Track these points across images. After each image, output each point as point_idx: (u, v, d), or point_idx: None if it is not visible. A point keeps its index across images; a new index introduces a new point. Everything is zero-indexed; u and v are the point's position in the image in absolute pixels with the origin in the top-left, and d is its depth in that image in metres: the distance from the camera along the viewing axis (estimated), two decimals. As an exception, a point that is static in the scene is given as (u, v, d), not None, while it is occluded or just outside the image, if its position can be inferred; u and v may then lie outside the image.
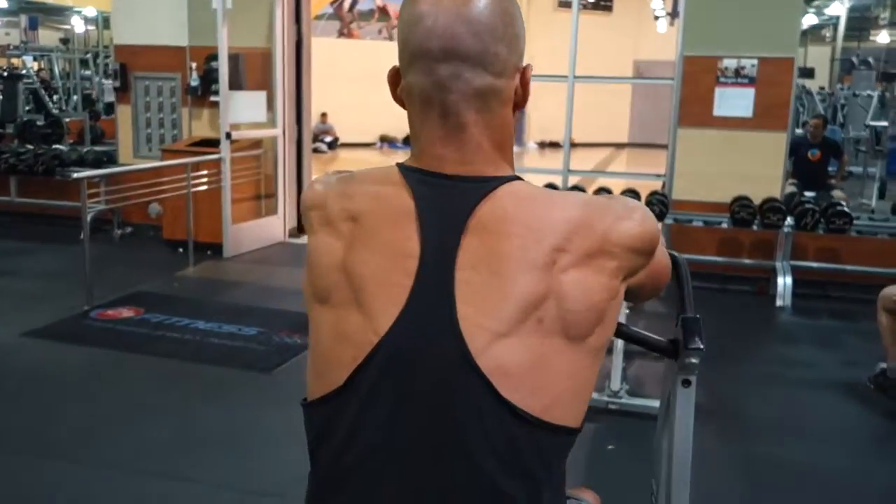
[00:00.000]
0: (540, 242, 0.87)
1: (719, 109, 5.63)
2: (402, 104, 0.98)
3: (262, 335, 4.35)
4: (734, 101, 5.60)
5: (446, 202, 0.90)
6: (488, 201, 0.89)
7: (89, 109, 9.98)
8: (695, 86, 5.63)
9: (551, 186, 4.83)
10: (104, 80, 9.59)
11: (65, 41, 13.61)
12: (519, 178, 0.94)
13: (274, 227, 6.58)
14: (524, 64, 0.96)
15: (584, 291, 0.88)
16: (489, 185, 0.91)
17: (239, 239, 6.12)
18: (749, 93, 5.57)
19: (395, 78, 0.97)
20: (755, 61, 5.52)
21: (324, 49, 7.27)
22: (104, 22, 12.49)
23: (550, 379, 0.87)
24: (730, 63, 5.57)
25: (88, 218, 4.87)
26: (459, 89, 0.90)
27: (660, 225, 1.08)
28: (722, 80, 5.60)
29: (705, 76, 5.60)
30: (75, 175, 4.98)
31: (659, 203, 5.49)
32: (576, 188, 6.00)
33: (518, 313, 0.86)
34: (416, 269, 0.88)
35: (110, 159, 7.15)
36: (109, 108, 9.31)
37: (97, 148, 7.91)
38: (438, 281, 0.87)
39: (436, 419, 0.87)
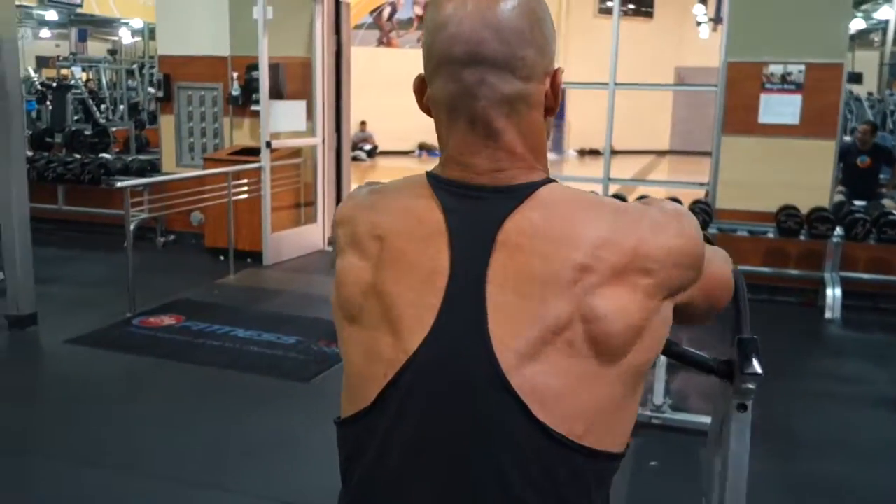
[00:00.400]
0: (565, 260, 0.83)
1: (764, 116, 5.51)
2: (429, 113, 0.95)
3: (300, 344, 4.35)
4: (780, 108, 5.47)
5: (476, 216, 0.87)
6: (517, 213, 0.86)
7: (135, 119, 10.19)
8: (739, 92, 5.51)
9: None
10: (150, 90, 9.77)
11: (112, 52, 13.92)
12: (552, 181, 0.89)
13: (313, 235, 6.61)
14: (555, 67, 0.92)
15: (615, 312, 0.83)
16: (519, 193, 0.87)
17: (279, 247, 6.16)
18: (796, 99, 5.43)
19: (420, 86, 0.94)
20: (802, 67, 5.39)
21: (363, 58, 7.32)
22: (150, 33, 12.74)
23: (586, 402, 0.83)
24: (776, 69, 5.44)
25: (132, 226, 4.95)
26: (486, 95, 0.87)
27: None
28: (767, 86, 5.48)
29: (750, 82, 5.48)
30: (119, 184, 5.06)
31: (702, 212, 5.38)
32: (616, 196, 5.92)
33: (546, 335, 0.82)
34: (445, 286, 0.85)
35: (154, 168, 7.27)
36: (154, 117, 9.50)
37: (142, 157, 8.06)
38: (469, 300, 0.84)
39: (466, 442, 0.84)
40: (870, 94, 12.97)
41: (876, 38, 17.13)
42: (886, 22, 16.46)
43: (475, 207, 0.87)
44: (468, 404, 0.83)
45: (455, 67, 0.87)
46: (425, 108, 0.95)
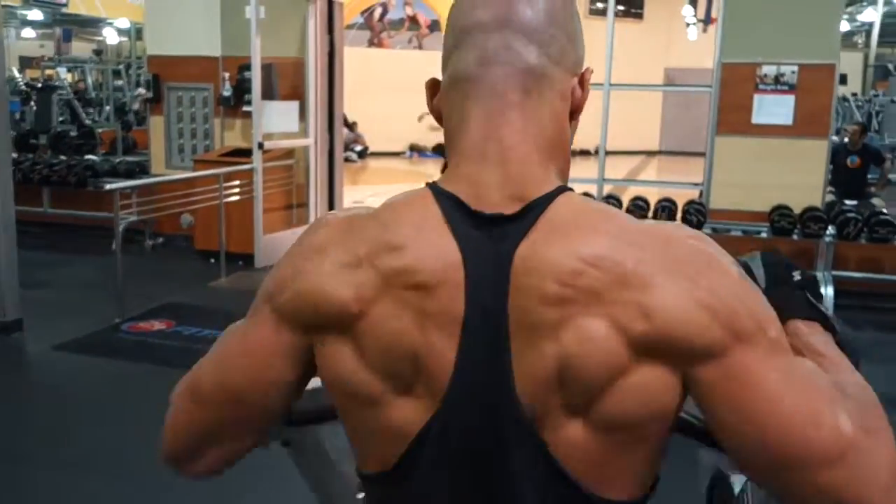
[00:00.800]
0: (553, 291, 0.72)
1: (758, 117, 5.51)
2: (438, 117, 0.87)
3: (294, 347, 4.30)
4: (774, 109, 5.48)
5: (490, 250, 0.75)
6: (528, 241, 0.74)
7: (121, 120, 10.09)
8: (733, 93, 5.51)
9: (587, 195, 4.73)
10: (140, 90, 9.69)
11: (98, 52, 13.81)
12: (565, 191, 0.78)
13: (305, 237, 6.55)
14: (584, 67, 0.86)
15: (583, 349, 0.71)
16: (531, 215, 0.76)
17: (271, 249, 6.10)
18: (789, 100, 5.45)
19: (433, 87, 0.86)
20: (795, 68, 5.40)
21: (354, 59, 7.25)
22: (136, 33, 12.63)
23: (598, 455, 0.75)
24: (769, 70, 5.45)
25: (120, 229, 4.88)
26: (509, 61, 0.78)
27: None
28: (761, 87, 5.48)
29: (744, 83, 5.48)
30: (108, 186, 4.99)
31: (697, 213, 5.38)
32: (611, 197, 5.90)
33: (549, 384, 0.73)
34: (459, 335, 0.74)
35: (143, 170, 7.19)
36: (141, 118, 9.41)
37: (129, 158, 7.97)
38: (488, 348, 0.74)
39: (495, 497, 0.77)
40: (854, 94, 13.07)
41: (859, 39, 17.27)
42: (871, 24, 16.58)
43: (490, 237, 0.76)
44: (496, 461, 0.77)
45: (479, 34, 0.80)
46: (435, 110, 0.87)
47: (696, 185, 5.94)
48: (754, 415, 0.70)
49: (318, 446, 1.12)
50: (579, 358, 0.71)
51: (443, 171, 0.86)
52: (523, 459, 0.75)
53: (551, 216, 0.75)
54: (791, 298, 0.86)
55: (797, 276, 0.89)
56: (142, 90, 8.83)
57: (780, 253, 0.93)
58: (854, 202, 6.23)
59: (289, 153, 6.44)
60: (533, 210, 0.76)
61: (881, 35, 16.04)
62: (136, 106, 10.25)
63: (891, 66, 12.02)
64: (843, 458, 0.69)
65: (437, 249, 0.75)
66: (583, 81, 0.85)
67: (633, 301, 0.70)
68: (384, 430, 0.79)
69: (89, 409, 3.57)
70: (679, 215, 5.44)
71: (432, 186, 0.81)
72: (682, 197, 5.72)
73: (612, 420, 0.73)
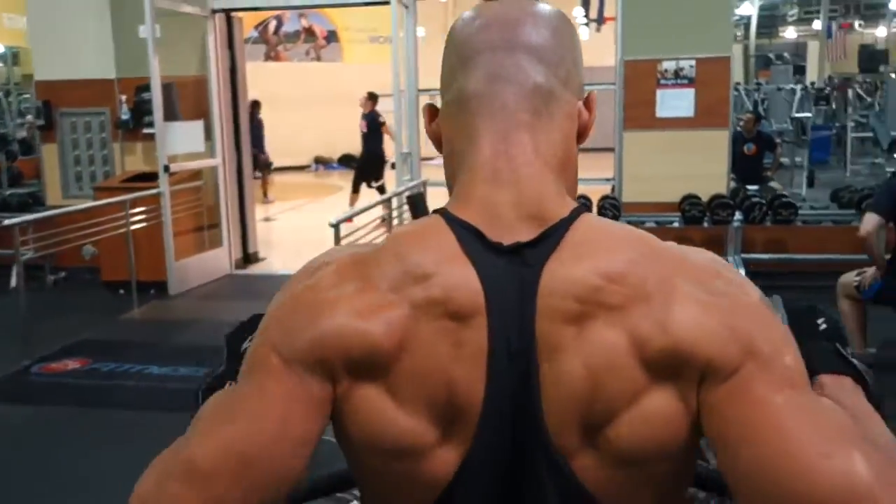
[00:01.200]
0: (572, 317, 0.71)
1: (662, 111, 5.70)
2: (437, 141, 0.85)
3: (223, 375, 4.14)
4: (675, 102, 5.68)
5: (512, 278, 0.72)
6: (548, 266, 0.72)
7: (5, 150, 9.50)
8: (636, 89, 5.67)
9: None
10: (28, 118, 9.15)
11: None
12: (583, 212, 0.77)
13: (220, 259, 6.34)
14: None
15: (594, 370, 0.70)
16: (552, 241, 0.74)
17: (184, 275, 5.87)
18: (689, 93, 5.65)
19: (431, 111, 0.86)
20: (693, 62, 5.61)
21: (252, 73, 7.10)
22: (13, 58, 11.96)
23: (624, 493, 0.74)
24: (669, 65, 5.64)
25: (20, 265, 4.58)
26: (519, 81, 0.78)
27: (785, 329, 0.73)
28: (662, 82, 5.67)
29: (646, 79, 5.66)
30: (6, 222, 4.68)
31: (612, 207, 5.51)
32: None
33: (579, 411, 0.71)
34: (485, 366, 0.71)
35: (37, 201, 6.79)
36: (27, 147, 8.89)
37: (20, 190, 7.51)
38: (515, 378, 0.72)
39: None
40: (737, 84, 13.75)
41: (738, 32, 18.23)
42: (749, 17, 17.50)
43: (510, 266, 0.73)
44: (528, 497, 0.74)
45: (488, 53, 0.79)
46: (434, 134, 0.85)
47: (608, 180, 6.09)
48: (760, 439, 0.65)
49: None
50: (600, 370, 0.70)
51: (449, 191, 0.83)
52: (556, 491, 0.73)
53: (573, 238, 0.74)
54: (818, 350, 0.82)
55: (822, 324, 0.87)
56: (30, 117, 8.35)
57: (801, 301, 0.91)
58: (755, 187, 6.53)
59: (196, 174, 6.21)
60: (552, 235, 0.74)
61: (759, 27, 16.95)
62: (21, 134, 9.69)
63: (772, 56, 12.70)
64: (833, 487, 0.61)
65: (461, 278, 0.72)
66: (589, 104, 0.84)
67: (653, 316, 0.69)
68: (417, 482, 0.74)
69: (5, 461, 3.32)
70: (595, 210, 5.56)
71: (444, 214, 0.77)
72: (595, 193, 5.85)
73: (624, 451, 0.71)
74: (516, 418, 0.72)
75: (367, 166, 8.62)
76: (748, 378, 0.67)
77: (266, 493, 0.71)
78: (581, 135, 0.83)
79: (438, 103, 0.86)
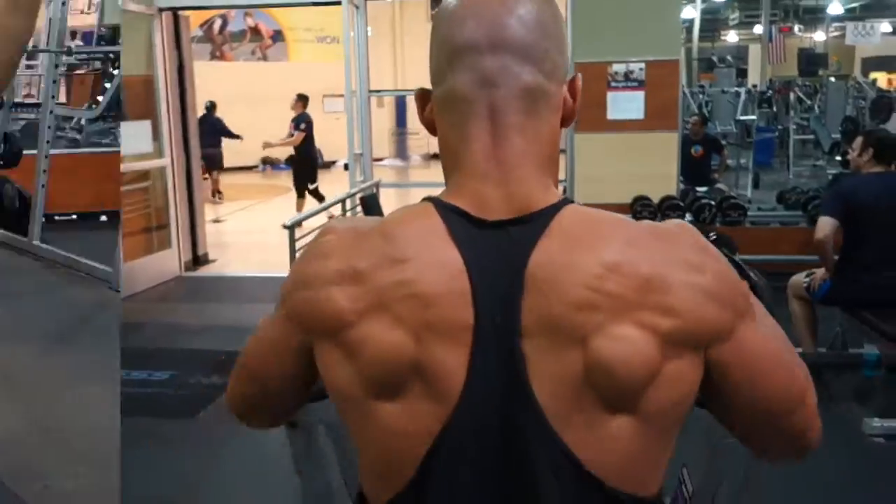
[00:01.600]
0: (573, 298, 0.75)
1: (613, 113, 5.78)
2: (430, 127, 0.88)
3: (176, 379, 4.05)
4: (626, 105, 5.76)
5: (498, 256, 0.78)
6: (539, 248, 0.77)
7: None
8: (587, 91, 5.52)
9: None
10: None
11: None
12: (570, 202, 0.82)
13: (169, 261, 6.20)
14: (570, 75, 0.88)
15: (621, 357, 0.75)
16: (538, 224, 0.79)
17: (133, 277, 5.71)
18: (639, 96, 5.74)
19: (423, 98, 0.88)
20: (643, 65, 5.70)
21: (197, 73, 6.97)
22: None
23: (624, 456, 0.78)
24: (619, 68, 5.73)
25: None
26: (507, 84, 0.81)
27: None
28: (613, 84, 5.76)
29: (596, 82, 5.72)
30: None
31: (565, 208, 5.58)
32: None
33: (578, 387, 0.76)
34: (470, 342, 0.77)
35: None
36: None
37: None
38: (502, 353, 0.77)
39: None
40: (682, 87, 14.06)
41: (682, 35, 18.64)
42: (691, 21, 17.87)
43: (496, 247, 0.78)
44: (516, 463, 0.77)
45: (475, 55, 0.81)
46: (427, 121, 0.88)
47: (560, 181, 6.15)
48: (762, 374, 0.81)
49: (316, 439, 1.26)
50: (616, 362, 0.75)
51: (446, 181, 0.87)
52: (545, 460, 0.77)
53: (562, 224, 0.79)
54: None
55: (713, 235, 0.99)
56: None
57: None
58: (703, 189, 6.68)
59: (144, 175, 6.08)
60: (538, 218, 0.79)
61: (701, 30, 17.32)
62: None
63: (715, 59, 13.00)
64: (804, 400, 0.84)
65: (440, 260, 0.78)
66: (574, 89, 0.87)
67: (657, 302, 0.76)
68: (405, 437, 0.79)
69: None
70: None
71: (434, 200, 0.83)
72: (548, 194, 5.90)
73: (654, 412, 0.77)
74: (503, 392, 0.77)
75: (300, 169, 8.51)
76: (741, 333, 0.80)
77: (277, 405, 0.99)
78: (566, 119, 0.87)
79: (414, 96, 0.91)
